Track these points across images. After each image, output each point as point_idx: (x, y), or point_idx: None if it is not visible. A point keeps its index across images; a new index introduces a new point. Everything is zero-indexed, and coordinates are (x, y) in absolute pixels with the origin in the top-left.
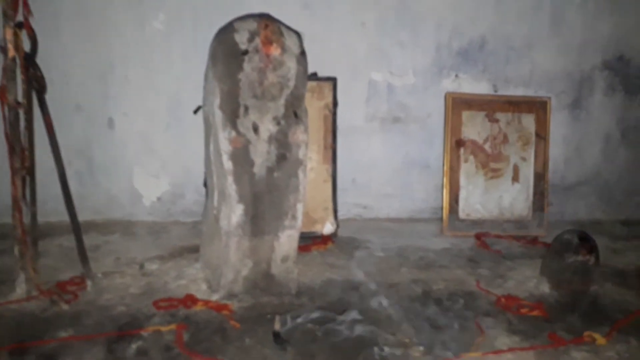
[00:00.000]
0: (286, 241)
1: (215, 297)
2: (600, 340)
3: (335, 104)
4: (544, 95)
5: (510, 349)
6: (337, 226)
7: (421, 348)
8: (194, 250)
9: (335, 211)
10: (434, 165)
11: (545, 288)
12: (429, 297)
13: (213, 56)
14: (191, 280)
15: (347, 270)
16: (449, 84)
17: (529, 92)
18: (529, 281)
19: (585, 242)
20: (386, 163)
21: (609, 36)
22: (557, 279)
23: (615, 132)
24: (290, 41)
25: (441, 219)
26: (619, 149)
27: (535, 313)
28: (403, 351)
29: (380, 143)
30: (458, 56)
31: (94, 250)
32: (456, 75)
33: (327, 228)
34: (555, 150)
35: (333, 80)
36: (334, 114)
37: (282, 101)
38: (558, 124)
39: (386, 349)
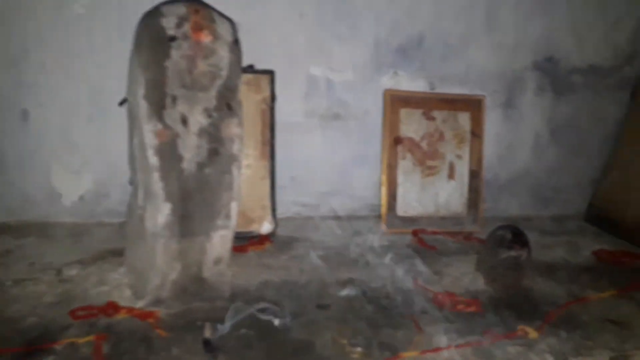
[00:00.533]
0: (219, 242)
1: (140, 304)
2: (533, 333)
3: (273, 98)
4: (479, 94)
5: (449, 346)
6: (276, 225)
7: (359, 349)
8: (119, 253)
9: (273, 209)
10: (373, 163)
11: (479, 283)
12: (368, 296)
13: (137, 42)
14: (114, 286)
15: (286, 271)
16: (388, 81)
17: (465, 91)
18: (464, 277)
19: (518, 237)
20: (326, 160)
21: (539, 37)
22: (491, 274)
23: (544, 131)
24: (223, 28)
25: (380, 216)
26: (548, 148)
27: (471, 309)
28: (341, 353)
29: (320, 140)
30: (396, 53)
31: (4, 255)
32: (395, 72)
33: (265, 227)
34: (489, 148)
35: (271, 74)
36: (272, 108)
37: (213, 92)
38: (492, 122)
39: (324, 352)
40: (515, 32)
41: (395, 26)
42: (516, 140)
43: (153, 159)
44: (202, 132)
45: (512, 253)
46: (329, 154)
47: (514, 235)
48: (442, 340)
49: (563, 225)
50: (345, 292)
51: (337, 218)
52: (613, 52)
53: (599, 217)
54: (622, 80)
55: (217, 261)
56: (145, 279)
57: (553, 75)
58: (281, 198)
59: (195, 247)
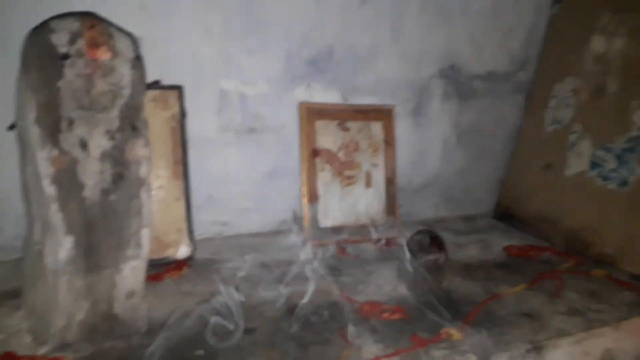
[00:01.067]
0: (130, 274)
1: (43, 351)
2: (456, 335)
3: (183, 114)
4: (389, 104)
5: (377, 358)
6: (194, 248)
7: None
8: (15, 295)
9: (190, 232)
10: (293, 176)
11: (402, 289)
12: (294, 314)
13: (25, 62)
14: (11, 333)
15: (206, 296)
16: (302, 94)
17: (376, 101)
18: (387, 284)
19: (436, 240)
20: (244, 176)
21: (442, 46)
22: (412, 279)
23: (451, 136)
24: (123, 44)
25: (303, 229)
26: (456, 152)
27: (396, 316)
28: None
29: (236, 155)
30: (308, 65)
31: None
32: (308, 85)
33: (182, 251)
34: (402, 155)
35: (179, 89)
36: (183, 125)
37: (115, 112)
38: (403, 130)
39: None
40: (419, 42)
41: (305, 39)
42: (426, 146)
43: (50, 189)
44: (104, 156)
45: (431, 257)
46: (247, 170)
47: (431, 239)
48: (371, 351)
49: (474, 224)
50: (271, 312)
51: (259, 234)
52: (508, 58)
53: (506, 215)
54: (518, 84)
55: (130, 295)
56: (47, 321)
57: (457, 82)
58: (199, 219)
59: (104, 282)
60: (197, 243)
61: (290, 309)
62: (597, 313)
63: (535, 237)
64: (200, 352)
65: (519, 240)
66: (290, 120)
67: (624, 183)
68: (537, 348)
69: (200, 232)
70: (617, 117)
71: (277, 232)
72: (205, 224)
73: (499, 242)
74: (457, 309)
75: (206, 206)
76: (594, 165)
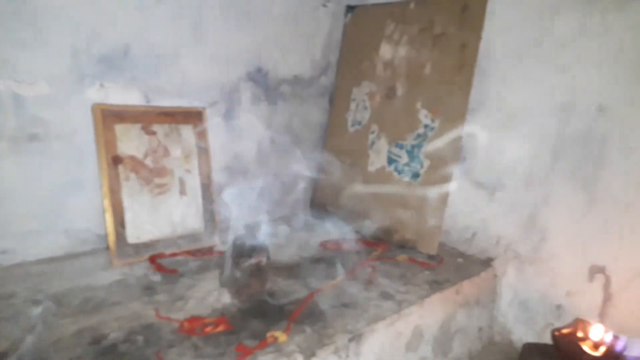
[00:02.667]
0: None
1: None
2: (282, 337)
3: None
4: (198, 106)
5: None
6: None
7: None
8: None
9: None
10: (91, 188)
11: (226, 298)
12: (101, 346)
13: None
14: None
15: None
16: (95, 94)
17: (184, 103)
18: (209, 296)
19: (256, 245)
20: (27, 192)
21: (248, 49)
22: (235, 286)
23: (265, 139)
24: None
25: (108, 247)
26: (270, 154)
27: (220, 329)
28: None
29: (14, 168)
30: (101, 63)
31: None
32: (101, 85)
33: None
34: (217, 159)
35: None
36: None
37: None
38: (216, 133)
39: None
40: (225, 43)
41: (96, 35)
42: (241, 149)
43: None
44: None
45: (252, 261)
46: (29, 184)
47: (251, 242)
48: None
49: (293, 224)
50: (72, 348)
51: (53, 260)
52: (311, 64)
53: (320, 213)
54: (321, 88)
55: None
56: None
57: (265, 85)
58: None
59: None
60: None
61: (96, 341)
62: (404, 294)
63: (348, 230)
64: None
65: (333, 235)
66: (83, 125)
67: (415, 175)
68: (358, 336)
69: None
70: (406, 116)
71: (76, 255)
72: None
73: (316, 239)
74: (280, 310)
75: None
76: (391, 161)
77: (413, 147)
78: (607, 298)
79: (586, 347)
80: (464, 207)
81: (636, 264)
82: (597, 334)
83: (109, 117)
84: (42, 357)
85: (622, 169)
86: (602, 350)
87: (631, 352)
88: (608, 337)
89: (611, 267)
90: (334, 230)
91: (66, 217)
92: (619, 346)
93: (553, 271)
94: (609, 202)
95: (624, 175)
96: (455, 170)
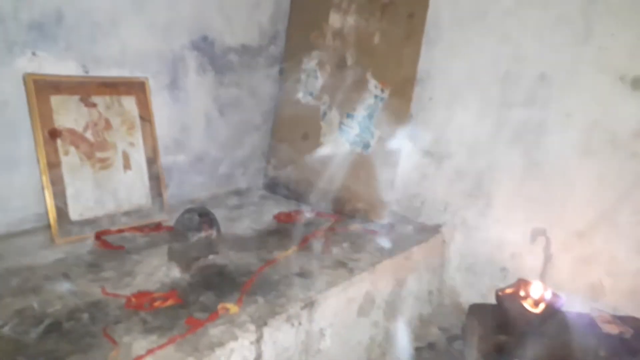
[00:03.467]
0: None
1: None
2: (233, 308)
3: None
4: (140, 76)
5: (149, 351)
6: None
7: None
8: None
9: None
10: (27, 164)
11: (175, 273)
12: (44, 325)
13: None
14: None
15: None
16: (26, 64)
17: (125, 73)
18: (158, 271)
19: (206, 217)
20: None
21: (192, 16)
22: (185, 260)
23: (213, 110)
24: None
25: (49, 225)
26: (219, 126)
27: (169, 303)
28: None
29: None
30: (31, 30)
31: None
32: (33, 53)
33: None
34: (163, 132)
35: None
36: None
37: None
38: (160, 105)
39: None
40: (166, 11)
41: None
42: (188, 122)
43: None
44: None
45: (202, 234)
46: None
47: (200, 216)
48: (141, 346)
49: (246, 197)
50: (13, 328)
51: None
52: (259, 32)
53: (274, 185)
54: (271, 58)
55: None
56: None
57: (211, 54)
58: None
59: None
60: None
61: (39, 320)
62: (356, 262)
63: (300, 202)
64: None
65: (287, 207)
66: (14, 97)
67: (367, 146)
68: (310, 304)
69: None
70: (357, 87)
71: (14, 234)
72: None
73: (270, 211)
74: (232, 282)
75: None
76: (343, 132)
77: (364, 117)
78: (548, 259)
79: (527, 305)
80: (413, 176)
81: (573, 226)
82: (537, 292)
83: (44, 88)
84: None
85: (561, 136)
86: (541, 307)
87: (569, 308)
88: (548, 295)
89: (551, 229)
90: (287, 202)
91: (0, 196)
92: (557, 302)
93: (498, 235)
94: (548, 167)
95: (562, 142)
96: (404, 140)
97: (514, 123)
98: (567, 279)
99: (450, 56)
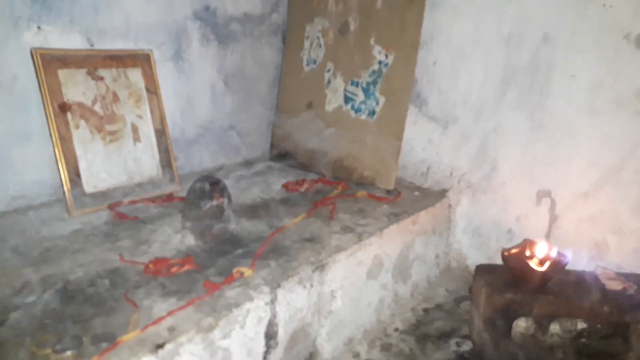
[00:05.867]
0: None
1: None
2: (248, 272)
3: None
4: (145, 48)
5: (169, 312)
6: None
7: (69, 352)
8: None
9: None
10: (40, 137)
11: (190, 240)
12: (67, 291)
13: None
14: None
15: None
16: (32, 38)
17: (129, 45)
18: (173, 239)
19: (216, 186)
20: None
21: None
22: (198, 228)
23: (218, 81)
24: None
25: (64, 198)
26: (225, 97)
27: (186, 268)
28: None
29: None
30: (36, 4)
31: None
32: (39, 27)
33: None
34: (170, 104)
35: None
36: None
37: None
38: (166, 77)
39: None
40: None
41: None
42: (194, 93)
43: None
44: None
45: (214, 202)
46: None
47: (212, 185)
48: (161, 308)
49: (253, 167)
50: (32, 298)
51: (8, 213)
52: (260, 0)
53: (281, 155)
54: (273, 26)
55: None
56: None
57: (214, 24)
58: None
59: None
60: None
61: (63, 287)
62: (364, 227)
63: (308, 171)
64: None
65: (294, 176)
66: (23, 71)
67: (372, 113)
68: (320, 266)
69: None
70: (360, 53)
71: (30, 207)
72: None
73: (278, 181)
74: (245, 248)
75: None
76: (347, 99)
77: (368, 84)
78: (553, 219)
79: (532, 264)
80: (419, 141)
81: (578, 186)
82: (542, 251)
83: (51, 62)
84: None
85: (566, 97)
86: (546, 265)
87: (575, 265)
88: (553, 254)
89: (556, 190)
90: (294, 172)
91: (16, 170)
92: (562, 261)
93: (503, 198)
94: (553, 129)
95: (567, 103)
96: (409, 105)
97: (518, 85)
98: (572, 238)
99: (453, 18)
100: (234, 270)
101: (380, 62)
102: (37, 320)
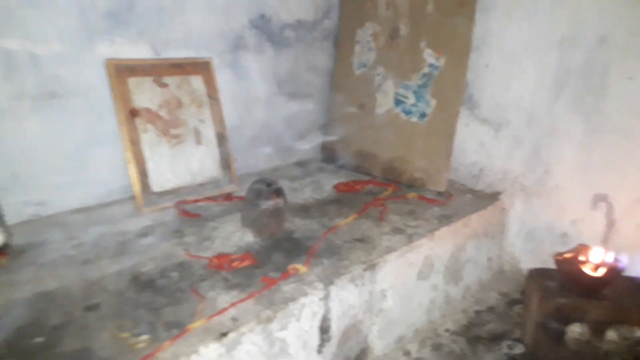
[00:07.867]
0: None
1: None
2: (302, 269)
3: None
4: (205, 56)
5: (232, 304)
6: (8, 235)
7: (144, 337)
8: None
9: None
10: (112, 141)
11: (249, 237)
12: (140, 282)
13: None
14: None
15: (36, 283)
16: (106, 50)
17: (191, 54)
18: (233, 236)
19: (273, 187)
20: (52, 147)
21: None
22: (256, 226)
23: (272, 85)
24: None
25: (134, 197)
26: (279, 101)
27: (246, 263)
28: (125, 348)
29: (38, 125)
30: (108, 18)
31: None
32: (111, 40)
33: None
34: (229, 108)
35: None
36: None
37: None
38: (225, 83)
39: (105, 353)
40: None
41: None
42: (251, 97)
43: None
44: None
45: (271, 202)
46: (54, 140)
47: (269, 186)
48: (225, 300)
49: (305, 169)
50: (114, 285)
51: (85, 210)
52: (313, 7)
53: (332, 157)
54: (325, 32)
55: None
56: None
57: (269, 32)
58: (7, 201)
59: None
60: (12, 228)
61: (135, 278)
62: (414, 228)
63: (358, 172)
64: (39, 339)
65: (345, 177)
66: (98, 80)
67: (422, 115)
68: (371, 266)
69: (12, 216)
70: (411, 57)
71: (106, 204)
72: (16, 205)
73: (329, 182)
74: (300, 246)
75: (12, 186)
76: (398, 102)
77: (419, 87)
78: (611, 224)
79: (587, 269)
80: (470, 144)
81: (637, 191)
82: (597, 256)
83: (122, 72)
84: (90, 293)
85: (622, 99)
86: (602, 271)
87: (633, 271)
88: (609, 259)
89: (613, 195)
90: (345, 173)
91: (92, 170)
92: (619, 266)
93: (558, 201)
94: (609, 132)
95: (624, 105)
96: (461, 108)
97: (572, 88)
98: (630, 244)
99: (505, 22)
100: (290, 267)
101: (431, 65)
102: (117, 308)
